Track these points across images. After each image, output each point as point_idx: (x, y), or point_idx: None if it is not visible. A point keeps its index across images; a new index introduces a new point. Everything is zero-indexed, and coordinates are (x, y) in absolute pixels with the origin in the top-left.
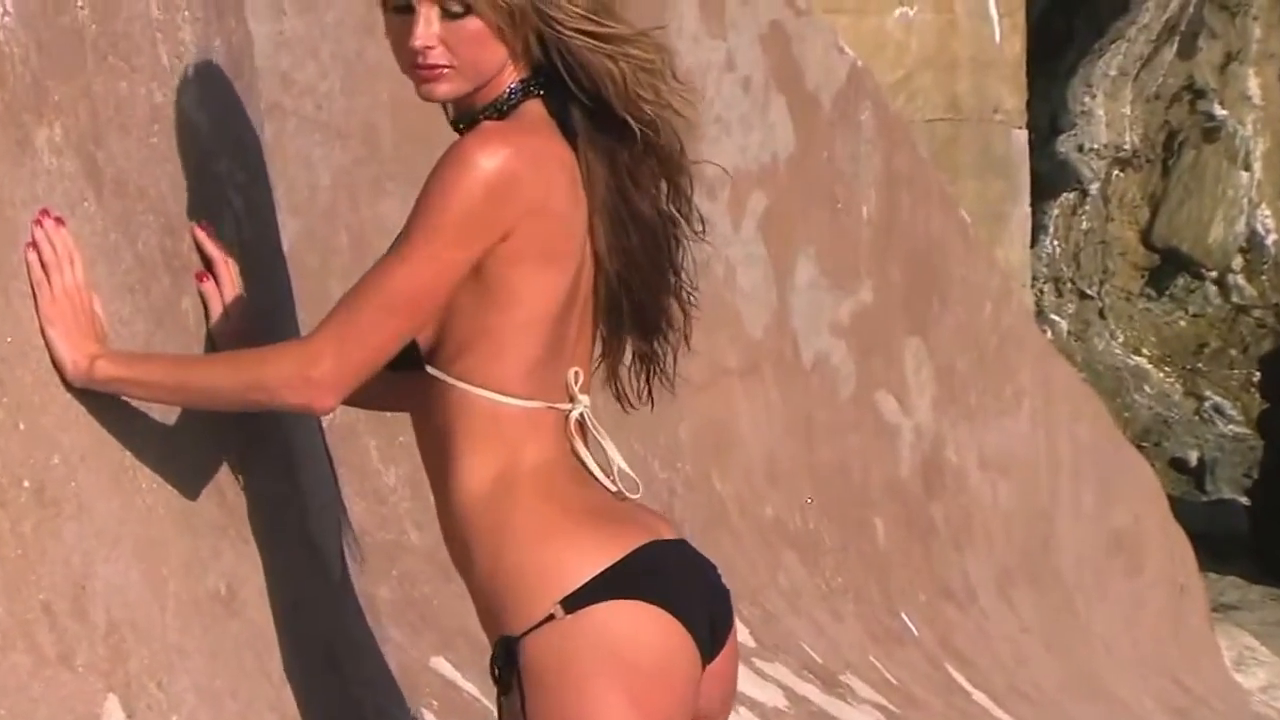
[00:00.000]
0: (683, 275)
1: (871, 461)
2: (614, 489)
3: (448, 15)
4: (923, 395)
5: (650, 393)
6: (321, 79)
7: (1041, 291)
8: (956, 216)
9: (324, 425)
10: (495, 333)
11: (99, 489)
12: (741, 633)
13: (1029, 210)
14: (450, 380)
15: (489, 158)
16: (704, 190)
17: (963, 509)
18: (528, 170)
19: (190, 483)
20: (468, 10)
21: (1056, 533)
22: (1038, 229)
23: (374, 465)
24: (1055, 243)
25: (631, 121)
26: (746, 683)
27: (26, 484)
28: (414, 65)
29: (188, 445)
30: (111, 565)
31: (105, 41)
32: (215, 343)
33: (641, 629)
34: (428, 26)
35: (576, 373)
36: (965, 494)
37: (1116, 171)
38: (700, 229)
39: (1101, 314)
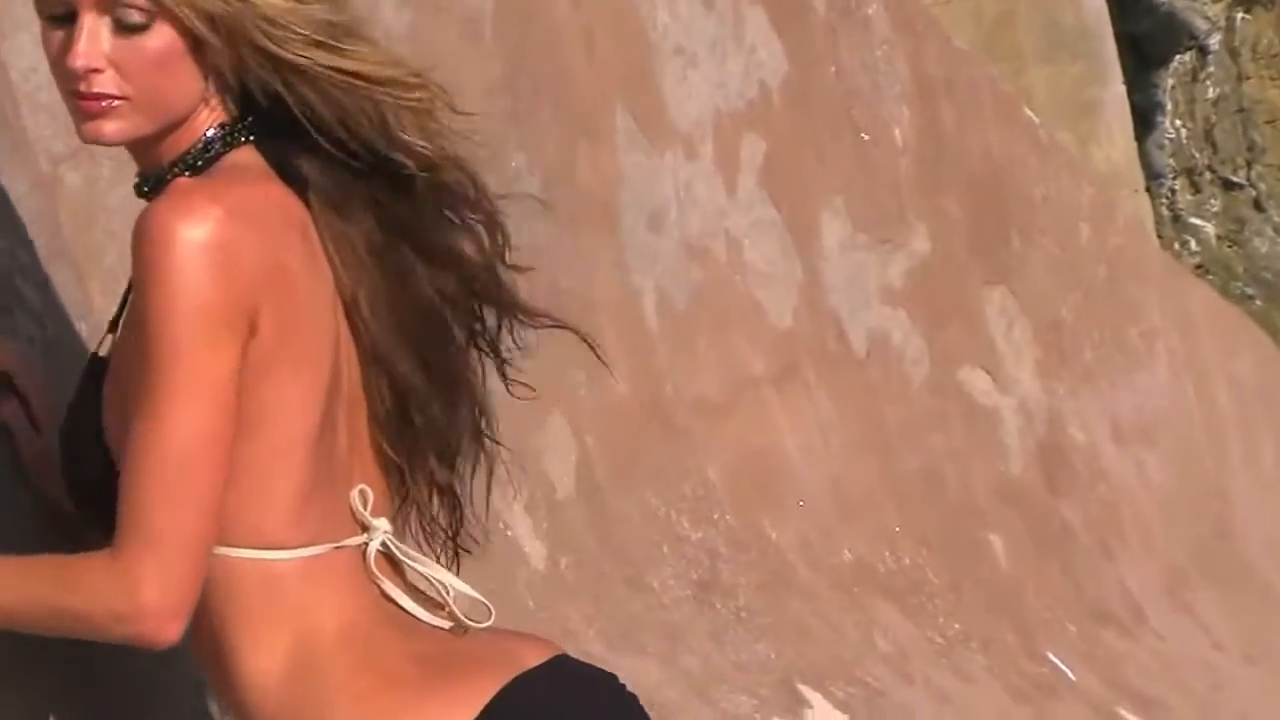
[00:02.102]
0: (496, 361)
1: (970, 462)
2: (449, 625)
3: (123, 29)
4: (1022, 362)
5: (455, 544)
6: None
7: (1173, 191)
8: (1022, 120)
9: None
10: (245, 470)
11: None
12: None
13: (1124, 90)
14: None
15: (191, 225)
16: (679, 148)
17: (1104, 502)
18: (247, 233)
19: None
20: (151, 20)
21: (1234, 509)
22: (1149, 110)
23: None
24: (1177, 123)
25: (402, 164)
26: None
27: None
28: (73, 94)
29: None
30: None
31: None
32: (32, 464)
33: None
34: (93, 42)
35: (363, 492)
36: (1103, 481)
37: (1241, 13)
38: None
39: (1257, 204)
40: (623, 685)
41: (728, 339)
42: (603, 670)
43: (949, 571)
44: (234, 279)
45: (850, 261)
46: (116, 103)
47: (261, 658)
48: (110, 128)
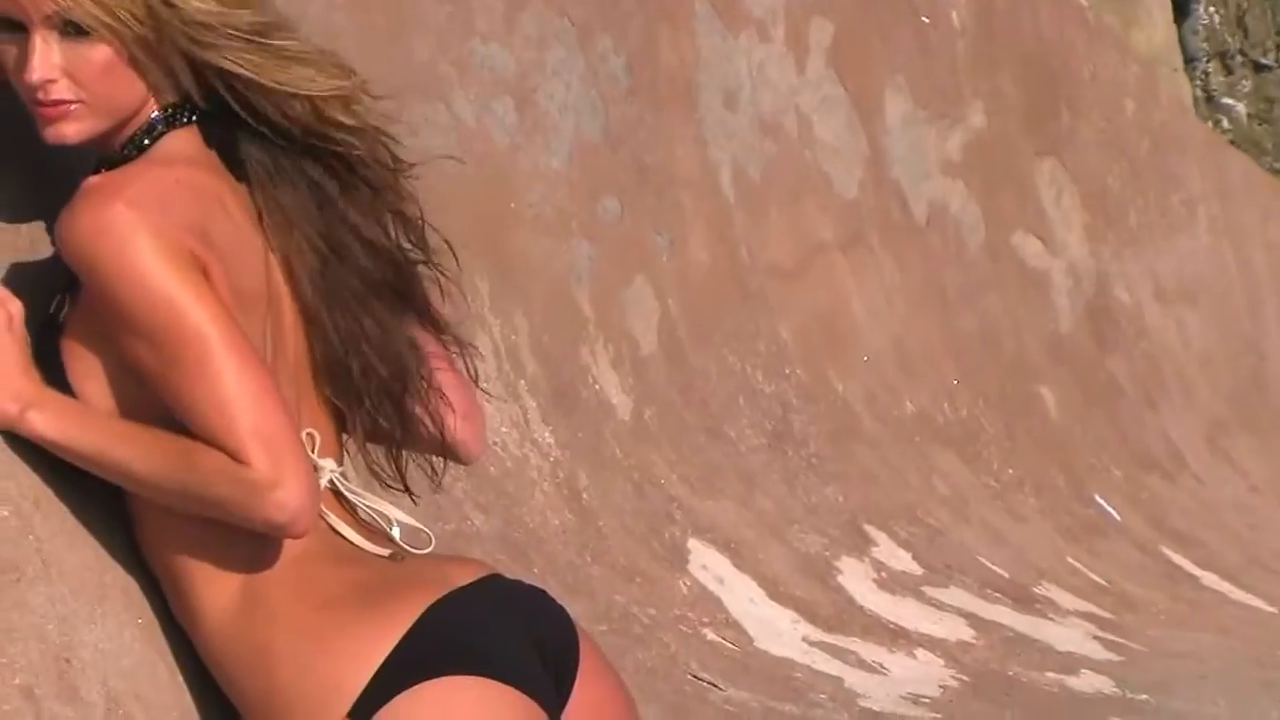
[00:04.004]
0: (431, 322)
1: (1023, 321)
2: (386, 553)
3: (69, 35)
4: (1070, 227)
5: (404, 480)
6: None
7: (1207, 73)
8: (1071, 3)
9: None
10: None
11: (66, 538)
12: (902, 559)
13: None
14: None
15: (102, 219)
16: (753, 31)
17: (1148, 357)
18: (149, 213)
19: None
20: (91, 30)
21: (1269, 363)
22: None
23: None
24: (1211, 9)
25: (331, 147)
26: (919, 617)
27: None
28: (34, 103)
29: None
30: (99, 627)
31: None
32: None
33: (452, 712)
34: (45, 56)
35: (310, 434)
36: (1147, 338)
37: None
38: (437, 261)
39: None
40: (552, 599)
41: (798, 208)
42: (532, 586)
43: (1003, 422)
44: (166, 233)
45: (911, 136)
46: (74, 106)
47: (215, 593)
48: (70, 129)
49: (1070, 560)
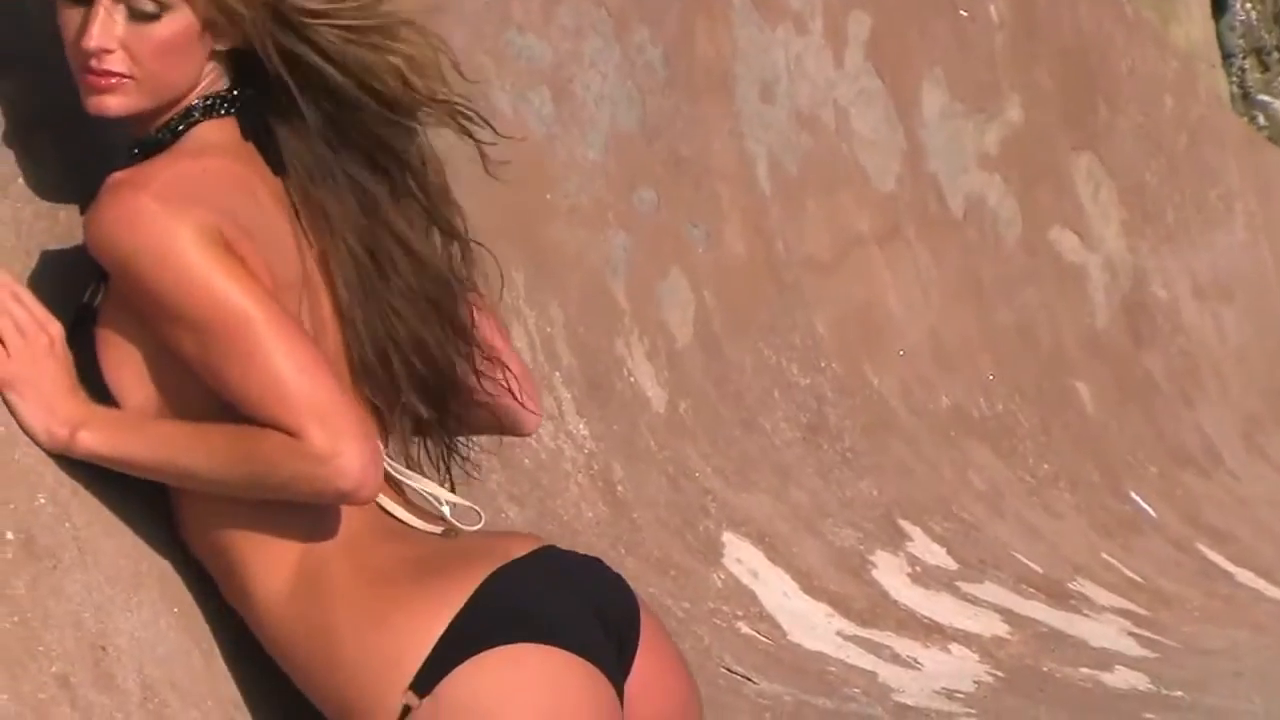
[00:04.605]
0: (473, 330)
1: (1060, 315)
2: (439, 530)
3: (135, 16)
4: (1108, 222)
5: (449, 475)
6: None
7: (1243, 70)
8: None
9: None
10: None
11: (102, 525)
12: (936, 554)
13: None
14: None
15: (131, 212)
16: (790, 24)
17: (1184, 353)
18: (176, 203)
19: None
20: (163, 10)
21: None
22: None
23: None
24: (1247, 6)
25: (407, 123)
26: (953, 612)
27: (10, 535)
28: (84, 69)
29: None
30: (135, 615)
31: None
32: None
33: (517, 679)
34: (106, 26)
35: None
36: (1183, 334)
37: None
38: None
39: None
40: (607, 567)
41: (835, 201)
42: (590, 556)
43: (1039, 417)
44: (199, 220)
45: (949, 129)
46: (124, 81)
47: (270, 574)
48: (114, 102)
49: (1105, 556)
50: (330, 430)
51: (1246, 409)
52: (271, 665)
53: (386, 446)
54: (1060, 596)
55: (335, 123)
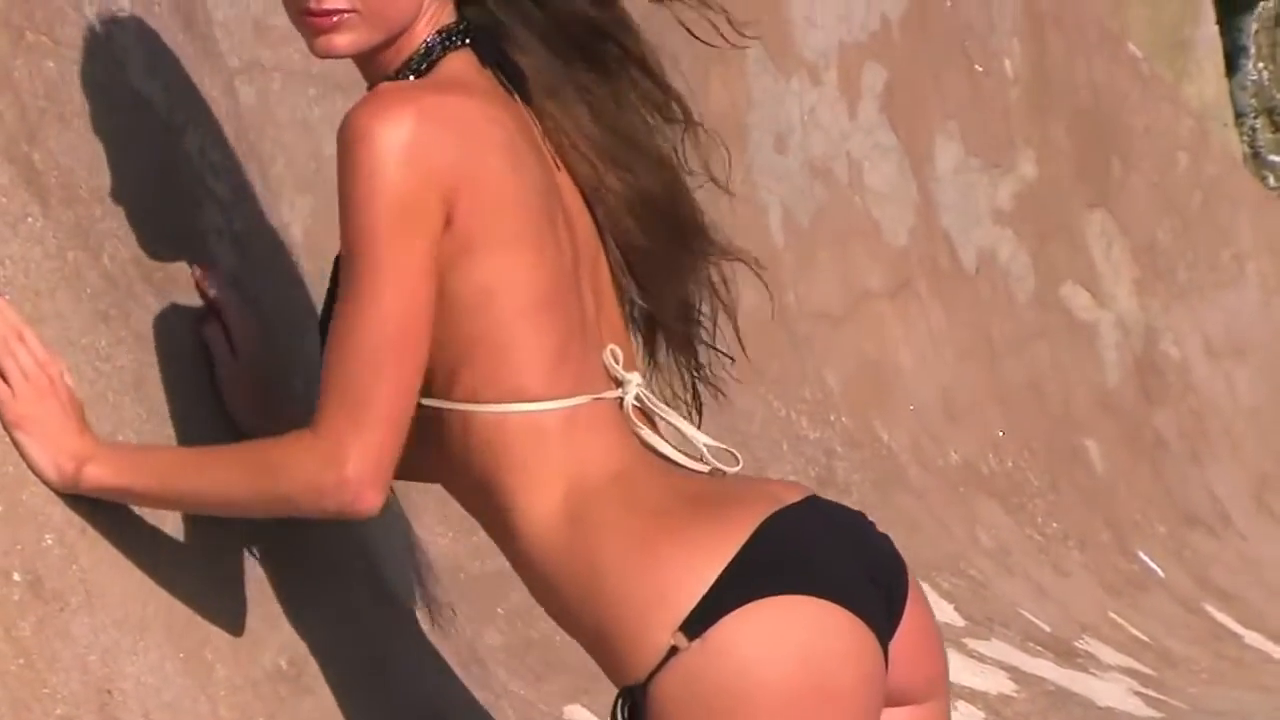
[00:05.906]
0: (709, 226)
1: (1071, 373)
2: (706, 469)
3: None
4: (1120, 281)
5: (697, 399)
6: None
7: (1253, 129)
8: (1125, 54)
9: None
10: (488, 337)
11: (110, 566)
12: (944, 610)
13: (1216, 30)
14: (461, 407)
15: (388, 125)
16: (805, 75)
17: (1194, 412)
18: (441, 132)
19: (224, 539)
20: None
21: None
22: (1234, 53)
23: None
24: (1260, 65)
25: (610, 38)
26: (960, 669)
27: (17, 577)
28: (304, 13)
29: None
30: (141, 659)
31: (18, 14)
32: (227, 390)
33: (788, 632)
34: None
35: (614, 350)
36: (1194, 393)
37: None
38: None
39: None
40: (872, 522)
41: (847, 254)
42: (856, 511)
43: (1049, 474)
44: (426, 174)
45: (962, 184)
46: (346, 16)
47: (537, 506)
48: (341, 40)
49: (1113, 615)
50: (351, 421)
51: (1257, 469)
52: (276, 712)
53: (648, 379)
54: (1068, 655)
55: (557, 20)
